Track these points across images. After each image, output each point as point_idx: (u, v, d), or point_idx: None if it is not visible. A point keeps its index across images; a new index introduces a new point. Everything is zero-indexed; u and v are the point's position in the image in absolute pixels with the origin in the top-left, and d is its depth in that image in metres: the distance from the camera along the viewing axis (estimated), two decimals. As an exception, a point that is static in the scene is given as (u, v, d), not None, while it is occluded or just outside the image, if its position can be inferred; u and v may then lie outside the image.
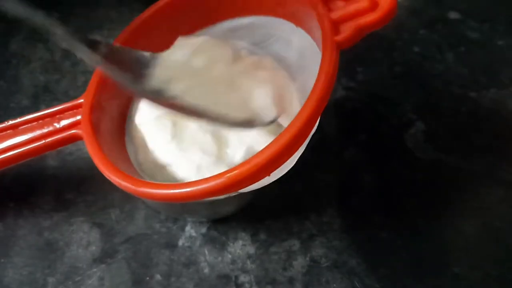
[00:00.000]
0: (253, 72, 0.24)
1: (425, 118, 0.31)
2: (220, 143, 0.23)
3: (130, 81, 0.22)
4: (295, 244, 0.26)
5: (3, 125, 0.25)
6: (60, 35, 0.20)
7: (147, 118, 0.25)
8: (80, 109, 0.24)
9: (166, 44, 0.26)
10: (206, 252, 0.26)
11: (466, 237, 0.27)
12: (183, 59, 0.24)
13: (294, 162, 0.22)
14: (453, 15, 0.37)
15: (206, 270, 0.26)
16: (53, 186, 0.29)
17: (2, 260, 0.26)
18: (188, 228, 0.27)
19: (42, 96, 0.33)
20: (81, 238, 0.27)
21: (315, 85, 0.19)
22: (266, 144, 0.18)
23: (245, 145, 0.23)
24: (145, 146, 0.24)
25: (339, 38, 0.20)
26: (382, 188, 0.28)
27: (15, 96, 0.33)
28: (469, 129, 0.31)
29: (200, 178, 0.19)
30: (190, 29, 0.27)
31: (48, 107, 0.30)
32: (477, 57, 0.35)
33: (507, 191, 0.28)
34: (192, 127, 0.23)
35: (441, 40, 0.36)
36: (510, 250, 0.26)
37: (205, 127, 0.23)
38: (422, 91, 0.33)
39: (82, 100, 0.24)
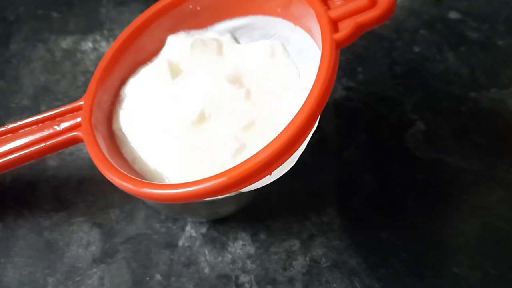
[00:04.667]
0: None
1: (425, 118, 0.31)
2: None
3: None
4: (295, 244, 0.26)
5: (3, 128, 0.25)
6: None
7: (131, 125, 0.25)
8: (80, 111, 0.24)
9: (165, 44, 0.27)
10: (206, 252, 0.26)
11: (466, 237, 0.27)
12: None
13: (295, 161, 0.22)
14: (453, 15, 0.38)
15: (206, 270, 0.26)
16: (53, 186, 0.28)
17: (2, 260, 0.26)
18: (188, 228, 0.27)
19: (42, 96, 0.33)
20: (81, 238, 0.27)
21: (315, 83, 0.19)
22: None
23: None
24: (133, 149, 0.24)
25: (338, 36, 0.20)
26: (382, 188, 0.28)
27: (15, 96, 0.33)
28: (469, 129, 0.31)
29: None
30: (189, 29, 0.27)
31: (48, 107, 0.30)
32: (477, 57, 0.35)
33: (507, 191, 0.28)
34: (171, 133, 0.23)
35: (441, 40, 0.36)
36: (510, 250, 0.26)
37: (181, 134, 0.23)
38: (422, 91, 0.33)
39: (82, 103, 0.24)
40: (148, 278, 0.25)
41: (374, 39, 0.36)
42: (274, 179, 0.21)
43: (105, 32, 0.37)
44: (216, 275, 0.25)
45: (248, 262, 0.26)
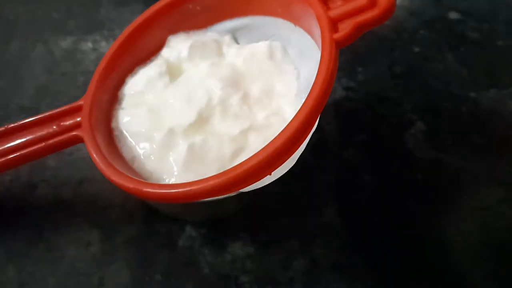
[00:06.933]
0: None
1: (425, 118, 0.31)
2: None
3: None
4: (295, 244, 0.26)
5: (3, 128, 0.25)
6: None
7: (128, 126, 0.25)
8: (80, 111, 0.24)
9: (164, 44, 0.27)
10: (206, 252, 0.26)
11: (466, 237, 0.27)
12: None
13: (295, 161, 0.22)
14: (453, 15, 0.38)
15: (206, 270, 0.26)
16: (53, 186, 0.28)
17: (2, 260, 0.26)
18: (188, 228, 0.27)
19: (42, 96, 0.33)
20: (81, 238, 0.26)
21: (315, 83, 0.19)
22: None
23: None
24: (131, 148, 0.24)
25: (338, 36, 0.20)
26: (382, 188, 0.28)
27: (15, 96, 0.33)
28: (469, 129, 0.31)
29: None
30: (189, 30, 0.27)
31: (48, 107, 0.30)
32: (477, 57, 0.35)
33: (507, 191, 0.28)
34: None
35: (441, 40, 0.36)
36: (510, 250, 0.26)
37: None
38: (422, 91, 0.33)
39: (82, 103, 0.24)
40: (148, 278, 0.25)
41: (374, 39, 0.36)
42: (274, 179, 0.21)
43: (105, 32, 0.37)
44: (216, 275, 0.25)
45: (248, 262, 0.26)
